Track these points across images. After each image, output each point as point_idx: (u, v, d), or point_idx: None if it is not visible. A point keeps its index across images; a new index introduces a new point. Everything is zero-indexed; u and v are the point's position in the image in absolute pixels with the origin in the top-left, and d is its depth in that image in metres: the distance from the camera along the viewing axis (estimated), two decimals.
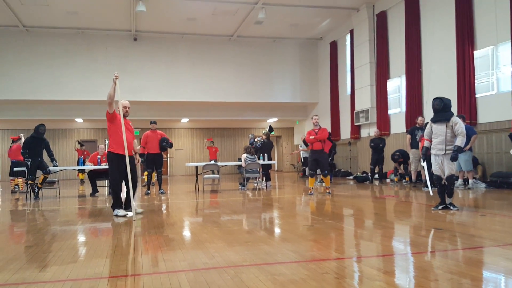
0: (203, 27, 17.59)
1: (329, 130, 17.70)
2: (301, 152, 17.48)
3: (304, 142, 12.86)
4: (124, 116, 6.63)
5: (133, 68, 18.04)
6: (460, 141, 6.26)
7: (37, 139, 9.92)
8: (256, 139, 13.24)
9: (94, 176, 10.76)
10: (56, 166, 10.39)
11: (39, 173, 10.12)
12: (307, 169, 16.81)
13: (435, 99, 6.52)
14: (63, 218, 6.98)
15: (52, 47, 17.41)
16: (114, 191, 6.69)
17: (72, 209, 8.30)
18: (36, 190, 9.94)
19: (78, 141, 19.35)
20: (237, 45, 19.36)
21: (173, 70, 18.60)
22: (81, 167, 11.71)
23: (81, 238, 5.11)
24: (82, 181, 17.58)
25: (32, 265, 3.67)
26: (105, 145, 21.66)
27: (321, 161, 9.57)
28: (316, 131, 9.53)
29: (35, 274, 3.37)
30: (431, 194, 7.06)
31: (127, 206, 6.71)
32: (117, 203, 6.66)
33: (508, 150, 9.86)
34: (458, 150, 6.29)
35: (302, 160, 17.47)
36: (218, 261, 3.63)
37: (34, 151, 9.83)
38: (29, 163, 9.74)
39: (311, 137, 9.54)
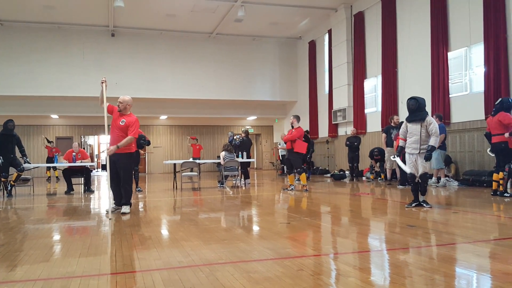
0: (183, 24, 17.45)
1: (308, 128, 17.82)
2: (279, 150, 17.58)
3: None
4: (119, 111, 6.61)
5: (110, 64, 17.79)
6: (433, 141, 6.40)
7: (7, 135, 9.65)
8: (235, 137, 13.23)
9: (69, 173, 10.57)
10: (28, 162, 10.14)
11: (12, 170, 9.88)
12: (285, 167, 17.00)
13: (410, 99, 6.63)
14: (37, 216, 6.83)
15: (27, 41, 17.00)
16: None
17: (46, 207, 8.13)
18: (9, 187, 9.69)
19: (45, 137, 19.03)
20: (217, 42, 19.27)
21: (151, 67, 18.40)
22: (56, 165, 11.46)
23: (55, 237, 5.01)
24: (57, 178, 17.31)
25: (2, 265, 3.57)
26: (80, 142, 21.37)
27: (292, 160, 9.77)
28: (293, 131, 9.70)
29: (5, 274, 3.29)
30: (408, 171, 6.75)
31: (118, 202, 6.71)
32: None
33: (485, 149, 10.09)
34: (432, 150, 6.42)
35: (281, 158, 17.57)
36: (194, 259, 3.62)
37: (6, 148, 9.56)
38: (0, 161, 9.47)
39: (286, 136, 9.88)
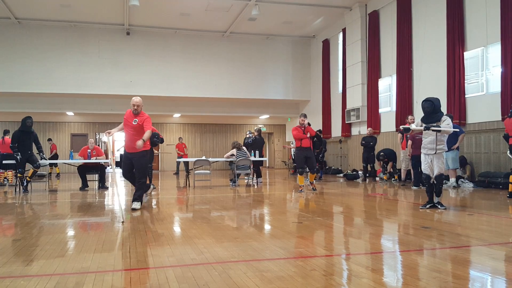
0: (197, 23, 17.52)
1: (320, 127, 17.73)
2: (292, 149, 17.49)
3: None
4: (136, 114, 6.72)
5: (125, 62, 17.99)
6: (442, 127, 6.29)
7: (25, 132, 9.80)
8: (247, 135, 13.23)
9: (84, 170, 10.69)
10: (45, 159, 10.30)
11: (29, 166, 10.03)
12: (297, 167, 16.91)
13: (425, 101, 6.55)
14: (52, 212, 6.94)
15: (44, 39, 17.25)
16: None
17: (61, 203, 8.25)
18: (25, 183, 9.85)
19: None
20: (230, 41, 19.31)
21: (165, 65, 18.53)
22: (71, 161, 11.63)
23: (70, 232, 5.08)
24: (58, 175, 17.30)
25: (18, 259, 3.64)
26: (94, 139, 21.61)
27: (310, 158, 9.59)
28: (303, 128, 9.51)
29: (21, 268, 3.35)
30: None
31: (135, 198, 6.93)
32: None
33: (501, 150, 9.96)
34: (435, 127, 6.31)
35: (294, 157, 17.48)
36: (207, 257, 3.64)
37: (24, 144, 9.71)
38: (18, 157, 9.63)
39: (297, 132, 9.47)
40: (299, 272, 3.16)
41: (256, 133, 12.95)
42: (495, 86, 10.43)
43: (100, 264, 3.44)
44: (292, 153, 17.48)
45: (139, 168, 6.79)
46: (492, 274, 3.18)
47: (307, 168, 9.87)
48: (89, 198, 8.90)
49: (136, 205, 6.72)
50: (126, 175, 7.00)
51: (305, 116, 9.72)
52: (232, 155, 11.54)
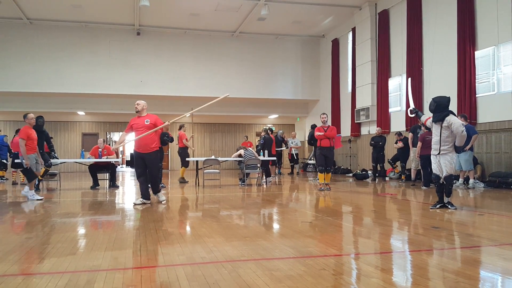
0: (206, 23, 17.58)
1: None
2: (292, 149, 17.26)
3: (309, 139, 12.83)
4: (137, 112, 7.34)
5: (135, 62, 18.12)
6: (458, 141, 6.29)
7: (37, 131, 9.90)
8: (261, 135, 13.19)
9: (95, 169, 10.80)
10: (56, 158, 10.41)
11: None
12: (297, 166, 17.10)
13: (431, 100, 6.56)
14: (63, 210, 7.02)
15: (55, 40, 17.45)
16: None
17: (72, 202, 8.34)
18: (37, 182, 9.95)
19: None
20: (240, 41, 19.35)
21: (175, 65, 18.63)
22: (82, 160, 11.76)
23: (81, 231, 5.14)
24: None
25: (31, 257, 3.70)
26: (105, 139, 21.78)
27: (328, 158, 9.80)
28: (325, 128, 9.75)
29: (33, 266, 3.41)
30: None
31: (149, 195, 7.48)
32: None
33: None
34: (457, 150, 6.34)
35: (296, 157, 17.26)
36: (216, 255, 3.66)
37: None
38: None
39: (318, 133, 9.78)
40: (308, 271, 3.17)
41: (264, 133, 12.95)
42: (507, 85, 10.31)
43: (111, 262, 3.48)
44: (294, 153, 17.21)
45: (152, 167, 7.26)
46: (503, 275, 3.16)
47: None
48: (100, 196, 8.99)
49: (161, 196, 7.46)
50: (140, 177, 7.28)
51: (326, 115, 10.09)
52: (240, 155, 11.57)
